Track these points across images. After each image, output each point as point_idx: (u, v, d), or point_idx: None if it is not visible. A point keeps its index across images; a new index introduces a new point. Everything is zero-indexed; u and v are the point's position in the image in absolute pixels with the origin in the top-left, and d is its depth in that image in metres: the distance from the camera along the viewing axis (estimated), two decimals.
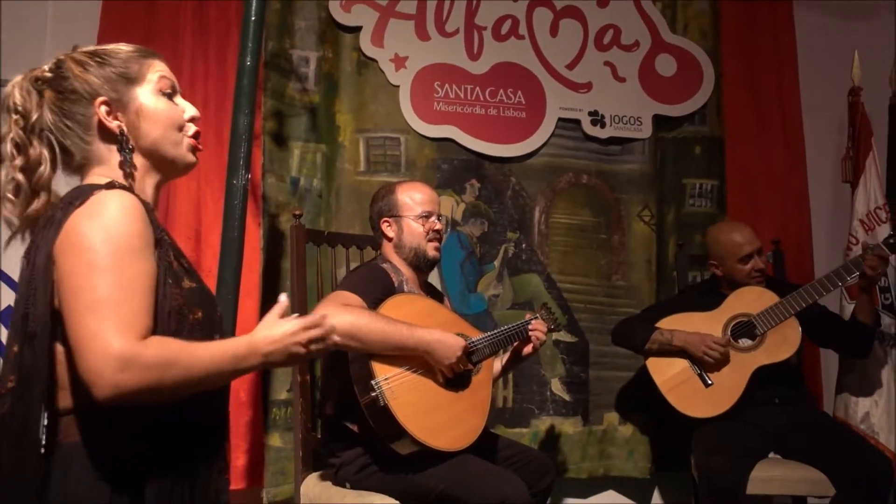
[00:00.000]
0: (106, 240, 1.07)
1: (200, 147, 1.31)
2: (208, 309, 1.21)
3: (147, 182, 1.27)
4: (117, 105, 1.23)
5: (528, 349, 2.23)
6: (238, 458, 2.66)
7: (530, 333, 2.21)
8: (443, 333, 2.00)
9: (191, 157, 1.29)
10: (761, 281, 2.61)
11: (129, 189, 1.17)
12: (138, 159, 1.25)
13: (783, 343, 2.50)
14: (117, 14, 2.77)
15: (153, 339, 1.08)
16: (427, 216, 2.21)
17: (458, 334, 2.08)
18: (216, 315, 1.24)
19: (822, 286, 2.49)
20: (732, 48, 3.26)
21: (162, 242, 1.16)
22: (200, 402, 1.15)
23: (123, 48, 1.27)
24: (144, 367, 1.04)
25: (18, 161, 1.17)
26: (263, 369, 1.11)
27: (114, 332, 1.03)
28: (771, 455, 2.49)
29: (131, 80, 1.24)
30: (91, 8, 2.78)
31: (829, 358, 3.09)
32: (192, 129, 1.30)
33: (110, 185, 1.14)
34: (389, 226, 2.23)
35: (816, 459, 2.37)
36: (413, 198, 2.23)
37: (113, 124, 1.22)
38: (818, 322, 2.62)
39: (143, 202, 1.17)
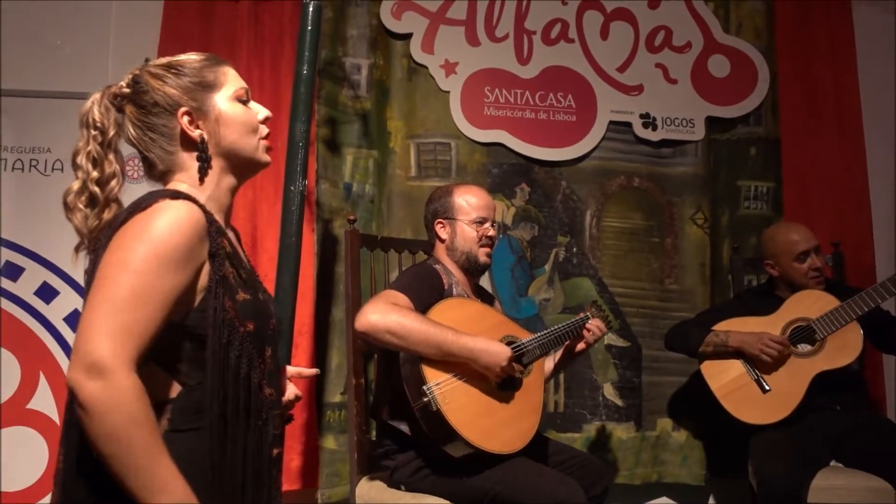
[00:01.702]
0: (145, 244, 1.08)
1: (271, 147, 1.36)
2: (260, 321, 1.22)
3: (223, 185, 1.30)
4: (198, 114, 1.27)
5: (581, 345, 2.22)
6: (293, 460, 2.71)
7: (584, 332, 2.20)
8: (488, 342, 1.99)
9: (265, 157, 1.33)
10: (820, 281, 2.55)
11: (195, 201, 1.18)
12: (216, 163, 1.28)
13: (844, 348, 2.44)
14: (176, 26, 2.86)
15: (137, 381, 1.03)
16: (481, 221, 2.22)
17: (507, 337, 2.08)
18: (269, 327, 1.26)
19: (887, 289, 2.42)
20: (788, 47, 3.19)
21: (217, 255, 1.17)
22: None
23: (194, 58, 1.31)
24: (106, 391, 1.00)
25: (94, 174, 1.22)
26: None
27: (107, 335, 1.02)
28: (832, 463, 2.43)
29: (209, 87, 1.28)
30: (152, 19, 2.88)
31: (893, 363, 3.00)
32: (264, 130, 1.34)
33: (175, 195, 1.15)
34: (443, 227, 2.25)
35: (880, 468, 2.30)
36: (469, 202, 2.24)
37: (195, 133, 1.26)
38: (880, 327, 2.55)
39: (209, 216, 1.19)
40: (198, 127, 1.26)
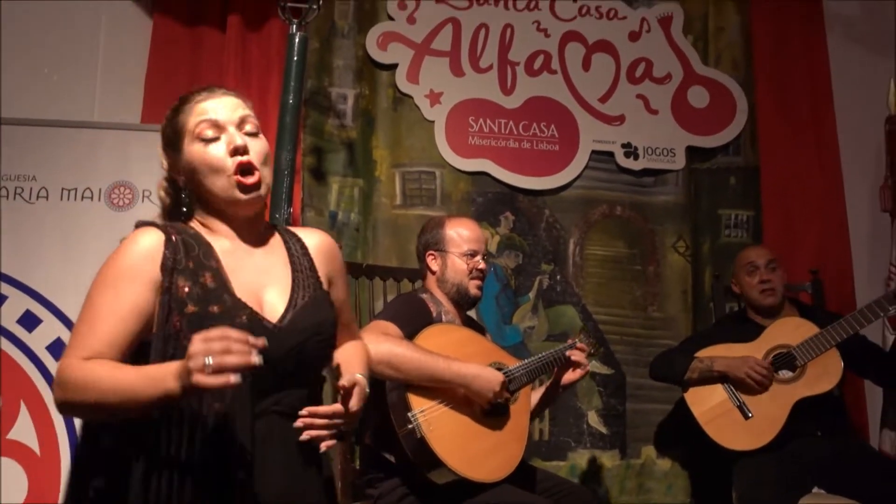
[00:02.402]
0: (104, 269, 1.24)
1: (247, 181, 1.28)
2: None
3: (223, 221, 1.33)
4: (175, 170, 1.35)
5: (570, 376, 2.18)
6: None
7: (572, 359, 2.17)
8: (481, 367, 2.00)
9: (237, 195, 1.28)
10: (770, 293, 2.60)
11: (164, 226, 1.29)
12: (204, 205, 1.34)
13: (824, 375, 2.46)
14: (164, 56, 2.89)
15: (91, 362, 1.16)
16: (472, 254, 2.22)
17: (494, 363, 2.09)
18: None
19: (863, 317, 2.45)
20: (765, 79, 3.27)
21: (166, 270, 1.22)
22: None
23: (183, 98, 1.35)
24: (64, 385, 1.16)
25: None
26: (185, 393, 1.08)
27: (70, 348, 1.19)
28: (815, 490, 2.44)
29: (177, 139, 1.33)
30: (140, 48, 2.91)
31: (874, 389, 3.02)
32: (231, 165, 1.28)
33: (141, 224, 1.28)
34: (434, 259, 2.25)
35: (862, 494, 2.31)
36: (461, 234, 2.24)
37: (181, 182, 1.35)
38: (857, 352, 2.58)
39: (180, 237, 1.26)
40: (179, 173, 1.34)
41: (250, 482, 1.20)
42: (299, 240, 1.42)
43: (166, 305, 1.21)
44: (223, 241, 1.32)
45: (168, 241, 1.25)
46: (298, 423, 1.21)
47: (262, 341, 1.08)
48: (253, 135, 1.33)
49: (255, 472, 1.21)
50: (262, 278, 1.32)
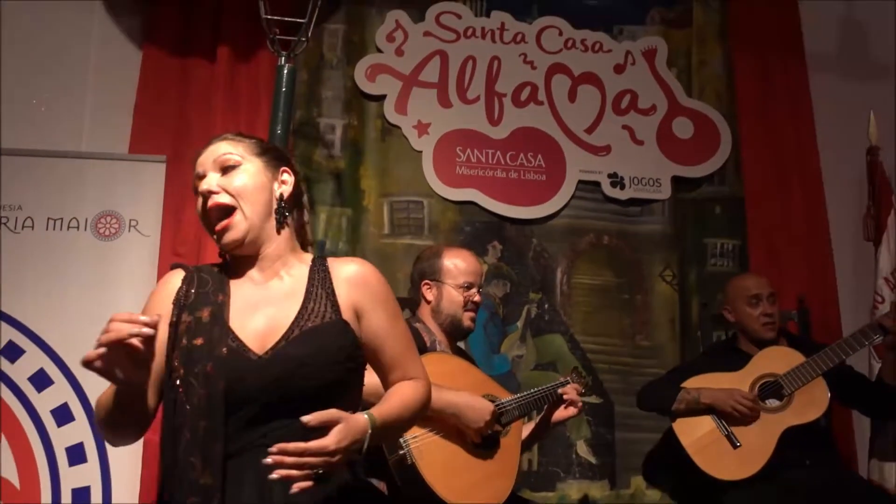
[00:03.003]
0: None
1: (217, 228, 1.32)
2: (188, 367, 1.23)
3: (240, 256, 1.37)
4: None
5: (561, 413, 2.18)
6: None
7: (565, 398, 2.17)
8: (471, 396, 1.99)
9: (220, 242, 1.34)
10: (772, 328, 2.59)
11: (188, 266, 1.38)
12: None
13: (811, 404, 2.46)
14: (153, 87, 2.91)
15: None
16: (468, 287, 2.22)
17: (487, 395, 2.08)
18: (193, 374, 1.23)
19: (849, 346, 2.47)
20: (749, 110, 3.31)
21: (183, 307, 1.29)
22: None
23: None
24: (96, 411, 1.29)
25: None
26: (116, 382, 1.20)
27: None
28: None
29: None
30: (129, 79, 2.92)
31: (862, 419, 3.02)
32: (205, 207, 1.34)
33: (174, 266, 1.38)
34: (429, 289, 2.24)
35: None
36: (457, 266, 2.24)
37: None
38: (843, 382, 2.58)
39: (198, 276, 1.34)
40: None
41: None
42: (326, 269, 1.36)
43: (171, 339, 1.27)
44: (241, 276, 1.35)
45: (186, 278, 1.33)
46: (267, 459, 1.12)
47: (153, 319, 1.11)
48: (231, 168, 1.35)
49: None
50: (265, 310, 1.31)
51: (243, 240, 1.33)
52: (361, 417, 1.23)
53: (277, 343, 1.26)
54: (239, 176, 1.34)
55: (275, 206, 1.37)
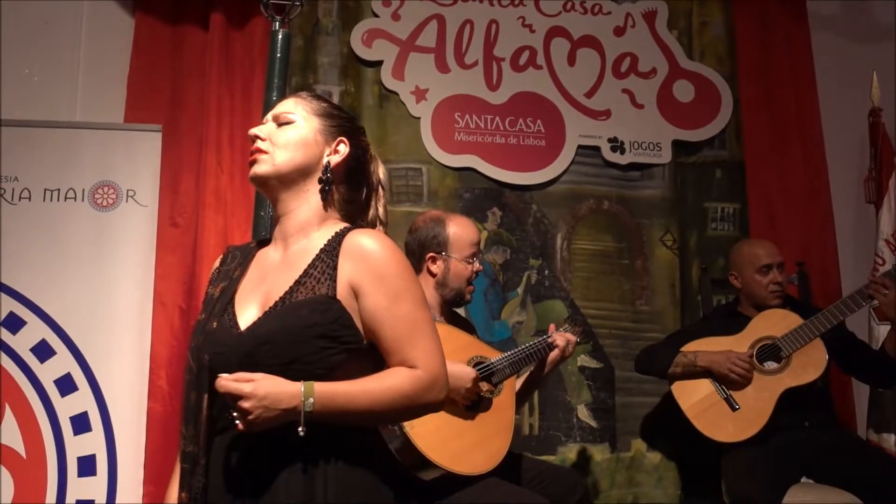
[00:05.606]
0: None
1: (253, 159, 1.33)
2: (196, 339, 1.28)
3: (277, 223, 1.38)
4: None
5: (554, 354, 2.16)
6: None
7: (556, 343, 2.15)
8: (451, 364, 1.98)
9: (251, 171, 1.34)
10: (778, 296, 2.59)
11: (232, 246, 1.45)
12: None
13: (809, 365, 2.48)
14: (146, 55, 2.87)
15: None
16: (473, 258, 2.19)
17: (475, 357, 2.09)
18: (200, 347, 1.25)
19: (846, 307, 2.47)
20: (750, 73, 3.28)
21: (210, 283, 1.37)
22: None
23: None
24: None
25: None
26: None
27: None
28: (803, 480, 2.45)
29: None
30: (122, 48, 2.89)
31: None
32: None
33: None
34: (435, 262, 2.17)
35: (850, 483, 2.33)
36: (463, 237, 2.18)
37: None
38: (845, 348, 2.59)
39: (233, 251, 1.41)
40: None
41: (204, 496, 1.22)
42: (340, 242, 1.27)
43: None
44: (269, 248, 1.37)
45: (224, 257, 1.40)
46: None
47: None
48: (285, 124, 1.34)
49: (211, 483, 1.22)
50: (269, 281, 1.29)
51: (266, 178, 1.31)
52: (295, 383, 1.16)
53: (259, 318, 1.24)
54: (288, 132, 1.33)
55: (321, 173, 1.33)
